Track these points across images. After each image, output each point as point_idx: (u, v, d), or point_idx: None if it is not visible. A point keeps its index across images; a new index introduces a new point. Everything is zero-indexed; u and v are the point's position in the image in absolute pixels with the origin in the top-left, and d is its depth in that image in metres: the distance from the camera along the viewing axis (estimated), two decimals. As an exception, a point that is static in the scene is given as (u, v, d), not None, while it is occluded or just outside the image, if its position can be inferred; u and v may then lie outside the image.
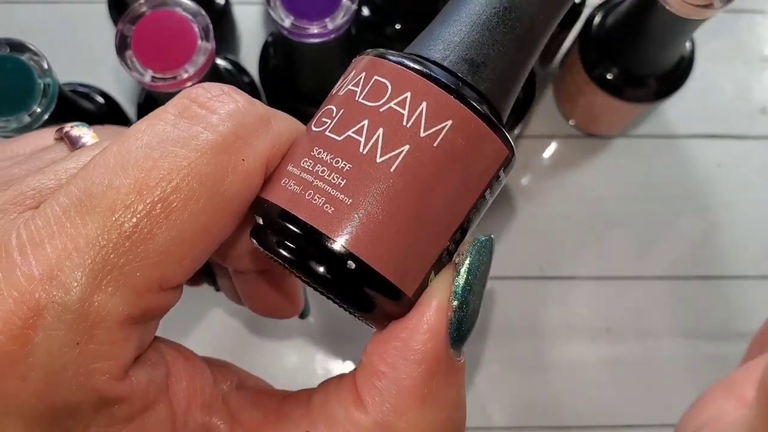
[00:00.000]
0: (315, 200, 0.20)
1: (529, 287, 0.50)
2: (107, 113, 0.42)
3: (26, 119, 0.33)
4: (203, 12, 0.35)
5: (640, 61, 0.45)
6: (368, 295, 0.21)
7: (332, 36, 0.36)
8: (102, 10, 0.46)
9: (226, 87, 0.22)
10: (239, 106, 0.21)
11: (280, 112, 0.23)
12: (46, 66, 0.33)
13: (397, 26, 0.46)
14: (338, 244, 0.20)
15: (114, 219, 0.19)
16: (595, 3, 0.47)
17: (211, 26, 0.35)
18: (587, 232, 0.51)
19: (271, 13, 0.35)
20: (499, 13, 0.22)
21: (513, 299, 0.50)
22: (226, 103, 0.21)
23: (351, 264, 0.20)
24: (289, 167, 0.21)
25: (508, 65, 0.22)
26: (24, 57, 0.33)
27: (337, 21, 0.36)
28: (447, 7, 0.23)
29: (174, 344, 0.23)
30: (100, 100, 0.43)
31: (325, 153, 0.21)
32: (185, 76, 0.34)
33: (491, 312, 0.50)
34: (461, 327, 0.21)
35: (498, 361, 0.49)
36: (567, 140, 0.53)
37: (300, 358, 0.48)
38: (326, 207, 0.20)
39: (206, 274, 0.33)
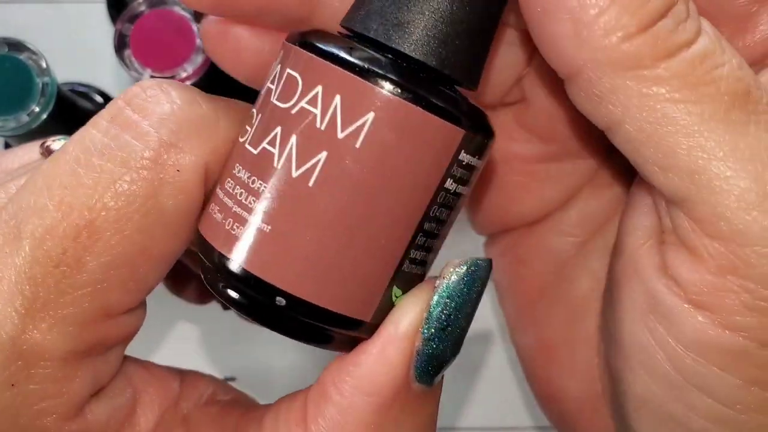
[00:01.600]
0: (234, 230, 0.18)
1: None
2: (106, 113, 0.42)
3: (25, 119, 0.33)
4: (202, 11, 0.35)
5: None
6: (316, 328, 0.18)
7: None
8: (101, 9, 0.46)
9: (166, 83, 0.19)
10: (174, 108, 0.19)
11: (235, 106, 0.20)
12: (44, 65, 0.33)
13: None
14: (262, 281, 0.17)
15: (40, 247, 0.17)
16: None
17: (210, 25, 0.34)
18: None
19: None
20: None
21: (513, 299, 0.50)
22: (161, 104, 0.19)
23: (280, 300, 0.17)
24: (218, 189, 0.19)
25: (448, 12, 0.18)
26: (22, 56, 0.33)
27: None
28: None
29: (144, 364, 0.21)
30: (99, 99, 0.43)
31: (244, 171, 0.18)
32: (184, 75, 0.34)
33: (490, 311, 0.50)
34: (431, 361, 0.18)
35: (498, 361, 0.49)
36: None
37: (296, 355, 0.49)
38: (246, 237, 0.18)
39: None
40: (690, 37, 0.17)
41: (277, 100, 0.18)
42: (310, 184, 0.17)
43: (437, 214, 0.18)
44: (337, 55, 0.17)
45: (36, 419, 0.18)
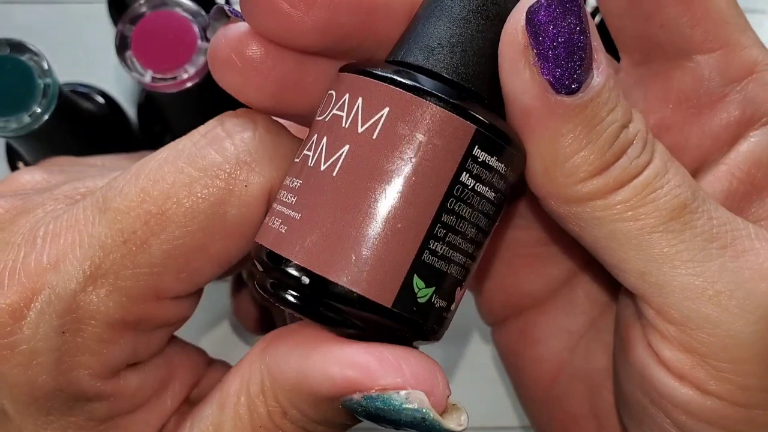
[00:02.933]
0: (273, 224, 0.20)
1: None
2: (107, 113, 0.43)
3: (26, 119, 0.33)
4: (203, 12, 0.35)
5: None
6: (342, 312, 0.19)
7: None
8: (102, 10, 0.46)
9: (259, 116, 0.22)
10: (256, 135, 0.21)
11: None
12: (46, 66, 0.33)
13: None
14: (290, 262, 0.19)
15: (115, 223, 0.20)
16: (594, 4, 0.47)
17: (211, 26, 0.35)
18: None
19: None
20: None
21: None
22: (246, 130, 0.21)
23: (304, 279, 0.19)
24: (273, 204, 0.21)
25: (463, 34, 0.20)
26: (24, 57, 0.33)
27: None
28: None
29: (185, 348, 0.24)
30: (100, 100, 0.43)
31: (289, 178, 0.20)
32: (185, 76, 0.34)
33: (472, 311, 0.50)
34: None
35: (480, 360, 0.49)
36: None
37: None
38: (281, 228, 0.20)
39: (268, 325, 0.35)
40: (638, 170, 0.20)
41: (318, 116, 0.21)
42: (334, 173, 0.19)
43: (455, 207, 0.19)
44: (362, 69, 0.20)
45: (73, 368, 0.20)
